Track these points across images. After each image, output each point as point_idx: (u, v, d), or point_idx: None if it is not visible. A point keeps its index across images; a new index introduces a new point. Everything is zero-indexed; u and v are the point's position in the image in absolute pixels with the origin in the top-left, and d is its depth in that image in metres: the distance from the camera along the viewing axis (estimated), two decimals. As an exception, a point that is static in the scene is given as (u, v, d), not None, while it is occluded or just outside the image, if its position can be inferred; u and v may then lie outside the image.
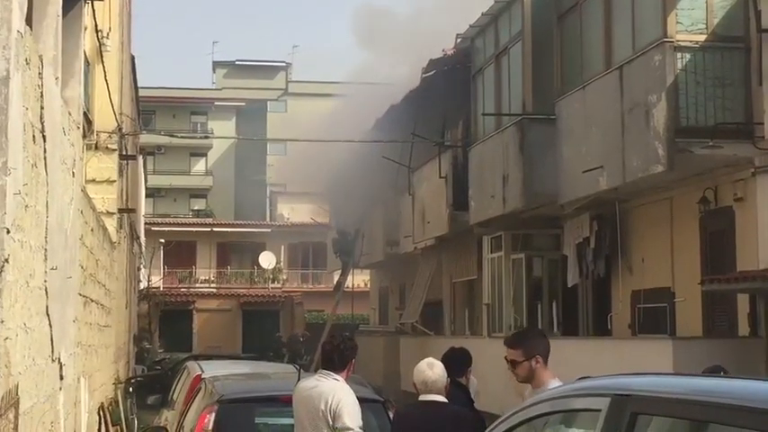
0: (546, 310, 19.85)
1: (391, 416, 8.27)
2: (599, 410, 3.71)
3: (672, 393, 3.58)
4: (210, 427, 8.52)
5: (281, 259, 56.83)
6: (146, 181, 44.42)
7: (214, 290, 54.16)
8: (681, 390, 3.61)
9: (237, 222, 59.20)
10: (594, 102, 16.35)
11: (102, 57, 17.99)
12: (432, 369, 6.87)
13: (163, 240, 52.36)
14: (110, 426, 15.90)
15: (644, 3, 15.17)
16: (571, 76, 17.58)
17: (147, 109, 54.89)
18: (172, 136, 43.27)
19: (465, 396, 8.17)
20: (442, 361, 8.33)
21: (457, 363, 8.54)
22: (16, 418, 6.17)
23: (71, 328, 9.87)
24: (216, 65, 71.89)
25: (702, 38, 14.50)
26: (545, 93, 18.33)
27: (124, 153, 21.73)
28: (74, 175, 9.66)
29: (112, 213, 19.23)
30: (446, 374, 6.89)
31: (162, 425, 13.06)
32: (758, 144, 13.91)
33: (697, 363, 12.28)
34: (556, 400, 4.22)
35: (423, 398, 7.10)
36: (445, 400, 6.85)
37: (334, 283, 41.69)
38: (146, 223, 45.06)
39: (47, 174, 7.51)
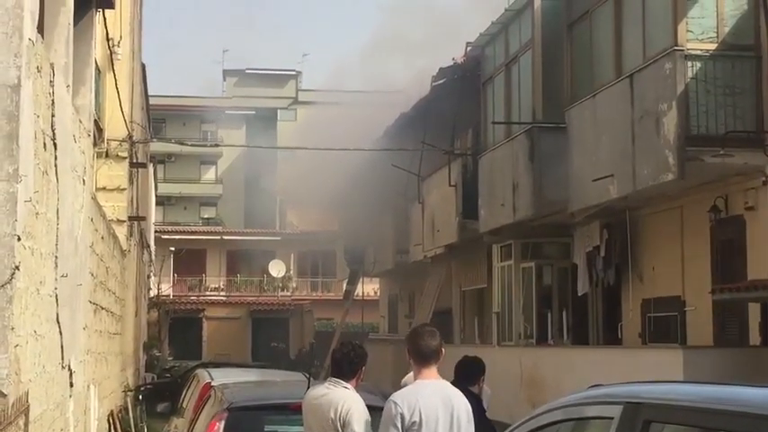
0: (556, 318, 19.80)
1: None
2: (611, 418, 3.70)
3: (685, 401, 3.56)
4: (220, 435, 8.51)
5: (291, 267, 56.85)
6: (156, 189, 44.50)
7: (224, 298, 54.20)
8: (694, 397, 3.59)
9: (247, 230, 59.26)
10: (605, 110, 16.33)
11: (113, 65, 18.05)
12: None
13: (173, 248, 52.45)
14: (119, 433, 15.90)
15: (654, 11, 15.16)
16: (581, 85, 17.56)
17: (158, 117, 54.98)
18: (182, 144, 43.33)
19: (477, 405, 8.12)
20: (455, 369, 8.31)
21: (469, 371, 8.52)
22: (26, 425, 6.17)
23: (81, 335, 9.88)
24: (226, 73, 71.95)
25: (713, 46, 14.47)
26: (555, 101, 18.31)
27: (134, 161, 21.79)
28: (84, 183, 9.68)
29: (123, 221, 19.28)
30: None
31: (171, 433, 13.06)
32: (769, 152, 13.87)
33: (708, 372, 12.26)
34: (568, 408, 4.20)
35: None
36: None
37: (344, 291, 41.70)
38: (156, 231, 45.14)
39: (57, 181, 7.52)
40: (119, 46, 18.85)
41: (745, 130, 14.22)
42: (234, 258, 56.97)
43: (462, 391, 7.99)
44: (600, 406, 3.94)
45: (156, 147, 43.53)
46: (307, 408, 7.10)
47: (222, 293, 55.40)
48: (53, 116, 7.24)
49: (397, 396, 6.26)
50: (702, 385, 3.90)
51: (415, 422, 6.06)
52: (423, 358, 6.33)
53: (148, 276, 39.82)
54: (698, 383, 4.03)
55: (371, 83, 35.26)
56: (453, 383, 7.76)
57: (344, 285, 40.52)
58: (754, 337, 14.36)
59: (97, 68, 14.22)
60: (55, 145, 7.31)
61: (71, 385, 8.89)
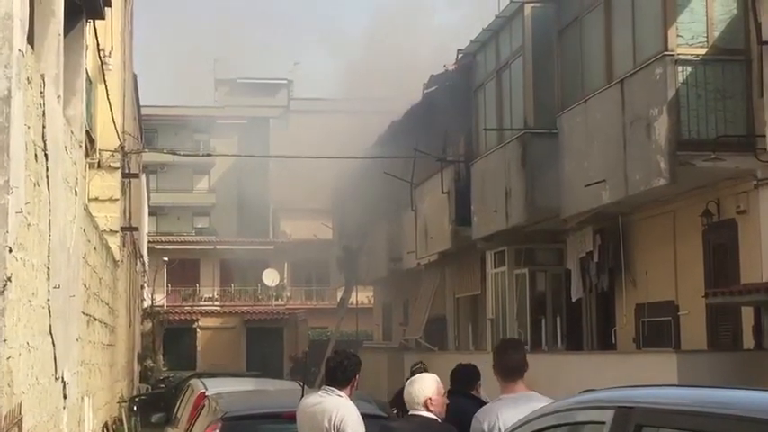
0: (550, 324, 19.80)
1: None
2: (603, 423, 3.70)
3: (676, 405, 3.57)
4: (215, 445, 8.50)
5: (285, 276, 56.78)
6: (148, 199, 44.45)
7: (218, 308, 54.12)
8: (685, 401, 3.60)
9: (240, 240, 59.17)
10: (596, 116, 16.36)
11: (104, 75, 18.05)
12: (410, 386, 6.81)
13: (166, 258, 52.37)
14: (114, 444, 15.87)
15: (644, 16, 15.20)
16: (572, 91, 17.59)
17: (150, 127, 54.90)
18: (174, 154, 43.32)
19: (478, 406, 8.03)
20: (450, 376, 8.30)
21: (465, 376, 8.52)
22: (20, 436, 6.15)
23: (74, 346, 9.86)
24: (218, 83, 71.90)
25: (703, 51, 14.51)
26: (546, 107, 18.34)
27: (127, 171, 21.78)
28: (76, 194, 9.68)
29: (115, 232, 19.27)
30: (428, 390, 6.75)
31: (166, 443, 13.04)
32: (760, 156, 13.89)
33: (702, 376, 12.27)
34: (560, 413, 4.21)
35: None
36: (425, 414, 6.71)
37: (338, 299, 41.67)
38: (149, 242, 45.07)
39: (49, 192, 7.52)
40: (110, 56, 18.85)
41: (736, 134, 14.25)
42: (227, 268, 56.88)
43: (464, 396, 7.99)
44: (591, 410, 3.95)
45: (149, 157, 43.49)
46: (301, 416, 7.10)
47: (216, 303, 55.31)
48: (44, 127, 7.24)
49: (480, 411, 6.38)
50: (694, 389, 3.91)
51: None
52: (508, 372, 6.35)
53: (142, 287, 39.77)
54: (689, 387, 4.04)
55: (363, 91, 35.26)
56: (450, 391, 7.76)
57: (339, 293, 40.50)
58: (748, 341, 14.38)
59: (88, 79, 14.22)
60: (46, 156, 7.31)
61: (65, 397, 8.87)
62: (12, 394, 5.98)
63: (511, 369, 6.33)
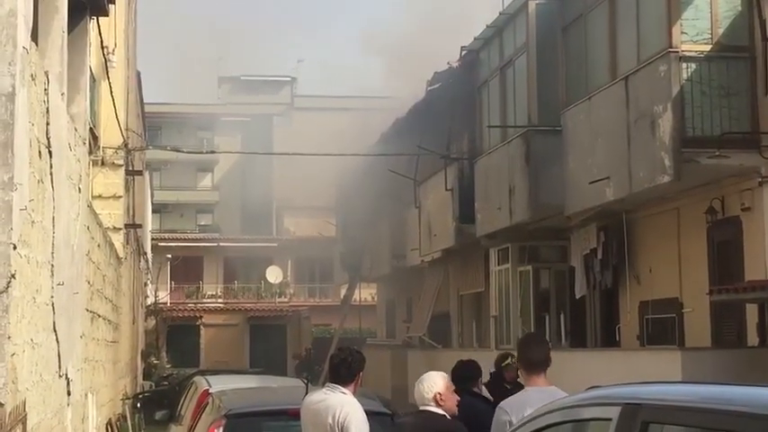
0: (554, 321, 19.79)
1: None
2: (609, 419, 3.69)
3: (683, 402, 3.56)
4: (218, 442, 8.50)
5: (288, 274, 56.80)
6: (152, 196, 44.46)
7: (221, 305, 54.16)
8: (692, 398, 3.59)
9: (244, 237, 59.22)
10: (600, 113, 16.34)
11: (107, 73, 18.05)
12: (419, 384, 6.87)
13: (170, 256, 52.42)
14: (118, 442, 15.88)
15: (648, 13, 15.18)
16: (576, 88, 17.57)
17: (153, 124, 54.91)
18: (178, 151, 43.37)
19: (487, 407, 8.02)
20: (451, 373, 8.31)
21: (467, 374, 8.53)
22: (24, 433, 6.15)
23: (78, 343, 9.86)
24: (221, 80, 71.91)
25: (707, 48, 14.48)
26: (550, 104, 18.32)
27: (130, 168, 21.79)
28: (80, 191, 9.67)
29: (119, 229, 19.28)
30: (437, 386, 6.80)
31: (170, 440, 13.04)
32: (764, 153, 13.88)
33: (706, 373, 12.26)
34: (566, 410, 4.20)
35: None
36: (434, 410, 6.75)
37: (341, 296, 41.69)
38: (152, 239, 45.11)
39: (53, 189, 7.51)
40: (113, 54, 18.84)
41: (741, 131, 14.23)
42: (231, 265, 56.93)
43: (468, 394, 7.99)
44: (598, 407, 3.94)
45: (152, 154, 43.57)
46: (305, 413, 7.10)
47: (219, 300, 55.36)
48: (48, 124, 7.23)
49: (506, 403, 6.40)
50: (700, 386, 3.90)
51: None
52: (532, 366, 6.46)
53: (145, 284, 39.81)
54: (696, 384, 4.04)
55: (366, 88, 35.29)
56: (454, 390, 7.75)
57: (342, 291, 40.50)
58: (752, 338, 14.37)
59: (92, 76, 14.21)
60: (50, 153, 7.31)
61: (69, 394, 8.87)
62: (16, 391, 5.98)
63: (534, 363, 6.43)
